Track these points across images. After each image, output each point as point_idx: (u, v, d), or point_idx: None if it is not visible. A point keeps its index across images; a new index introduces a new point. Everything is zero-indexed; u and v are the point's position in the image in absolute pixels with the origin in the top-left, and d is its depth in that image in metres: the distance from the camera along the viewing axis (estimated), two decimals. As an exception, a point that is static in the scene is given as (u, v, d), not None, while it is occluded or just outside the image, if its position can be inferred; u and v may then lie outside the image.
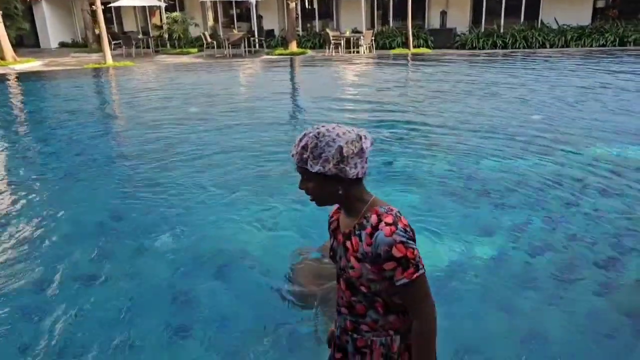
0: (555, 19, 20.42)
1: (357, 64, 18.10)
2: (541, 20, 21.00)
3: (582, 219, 4.74)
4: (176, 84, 14.81)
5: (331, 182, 1.63)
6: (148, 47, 23.76)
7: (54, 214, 5.24)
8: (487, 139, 7.44)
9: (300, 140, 1.64)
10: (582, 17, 20.28)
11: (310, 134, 1.63)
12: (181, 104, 11.22)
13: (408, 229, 1.62)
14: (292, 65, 18.27)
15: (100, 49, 20.29)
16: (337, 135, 1.60)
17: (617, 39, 18.76)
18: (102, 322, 3.46)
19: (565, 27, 20.04)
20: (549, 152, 6.70)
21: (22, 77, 17.14)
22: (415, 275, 1.59)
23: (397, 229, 1.59)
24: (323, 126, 1.64)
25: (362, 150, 1.62)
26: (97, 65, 18.64)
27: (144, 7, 25.81)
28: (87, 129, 9.11)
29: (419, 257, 1.61)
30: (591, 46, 18.83)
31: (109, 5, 22.95)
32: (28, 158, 7.60)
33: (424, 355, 1.69)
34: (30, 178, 6.47)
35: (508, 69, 15.35)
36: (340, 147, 1.58)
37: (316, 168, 1.60)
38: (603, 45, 18.72)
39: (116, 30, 27.00)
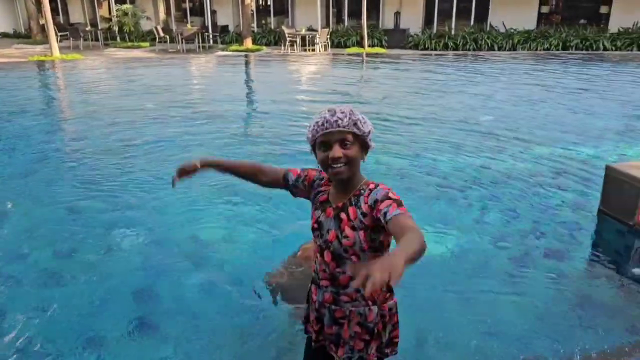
0: (503, 22, 21.19)
1: (313, 61, 18.19)
2: (490, 24, 21.74)
3: (533, 212, 4.99)
4: (130, 79, 14.43)
5: (363, 150, 1.85)
6: (96, 40, 23.00)
7: (10, 212, 5.05)
8: (442, 137, 7.69)
9: (340, 111, 1.79)
10: (528, 21, 21.14)
11: (345, 108, 1.81)
12: (137, 99, 10.97)
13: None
14: (247, 62, 18.15)
15: (45, 41, 19.49)
16: (352, 111, 1.82)
17: (561, 43, 19.67)
18: (65, 320, 3.37)
19: (512, 30, 20.83)
20: (500, 150, 7.00)
21: (-40, 68, 16.27)
22: (405, 211, 1.67)
23: (385, 186, 1.78)
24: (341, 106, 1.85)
25: (372, 127, 1.85)
26: (43, 58, 17.88)
27: (92, -1, 24.97)
28: (38, 124, 8.77)
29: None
30: (537, 49, 19.66)
31: (55, -5, 22.08)
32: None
33: (408, 245, 1.56)
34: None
35: (459, 70, 15.82)
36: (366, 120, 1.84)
37: (367, 128, 1.81)
38: (547, 49, 19.59)
39: (62, 21, 25.97)
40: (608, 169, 4.53)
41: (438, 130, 8.15)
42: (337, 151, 1.77)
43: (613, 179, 4.44)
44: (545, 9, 22.06)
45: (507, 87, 12.32)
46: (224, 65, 17.46)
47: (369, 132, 1.82)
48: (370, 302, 1.88)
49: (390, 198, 1.72)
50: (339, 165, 1.78)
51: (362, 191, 1.82)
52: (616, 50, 19.11)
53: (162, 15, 25.91)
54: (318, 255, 1.94)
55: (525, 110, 9.65)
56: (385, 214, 1.68)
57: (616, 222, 4.46)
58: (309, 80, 14.38)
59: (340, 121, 1.77)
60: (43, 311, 3.43)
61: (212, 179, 5.91)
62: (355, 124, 1.78)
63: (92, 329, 3.27)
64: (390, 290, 1.93)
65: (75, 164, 6.63)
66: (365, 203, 1.77)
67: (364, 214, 1.78)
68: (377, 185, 1.80)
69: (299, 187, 2.05)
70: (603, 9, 21.14)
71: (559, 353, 3.02)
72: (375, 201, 1.73)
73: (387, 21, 23.14)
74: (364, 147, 1.84)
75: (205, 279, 3.87)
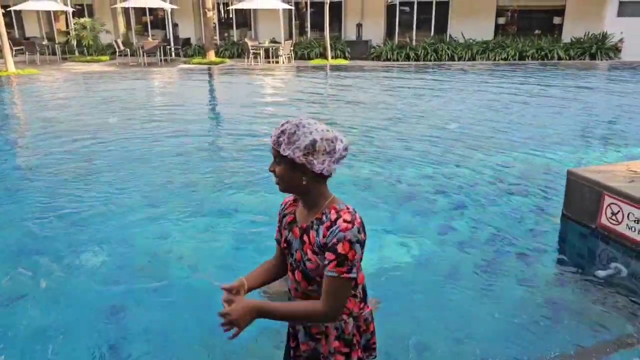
0: (462, 33, 21.73)
1: (277, 73, 18.19)
2: (449, 35, 22.26)
3: (499, 218, 5.08)
4: (90, 94, 14.09)
5: (298, 171, 1.73)
6: (54, 54, 22.39)
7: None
8: (408, 147, 7.77)
9: (283, 125, 1.73)
10: (486, 32, 21.75)
11: (293, 122, 1.72)
12: (98, 113, 10.69)
13: (361, 229, 1.71)
14: (210, 75, 18.00)
15: (-1, 55, 18.86)
16: (316, 130, 1.71)
17: (517, 53, 20.29)
18: (29, 344, 3.22)
19: (471, 41, 21.38)
20: (465, 157, 7.12)
21: None
22: (345, 275, 1.69)
23: (352, 227, 1.68)
24: (307, 119, 1.74)
25: (333, 150, 1.73)
26: (-3, 73, 17.30)
27: (48, 12, 24.28)
28: (-8, 141, 8.44)
29: (357, 262, 1.71)
30: (495, 59, 20.22)
31: (9, 9, 21.42)
32: None
33: (289, 312, 1.82)
34: None
35: (421, 80, 16.10)
36: (314, 140, 1.69)
37: (287, 152, 1.70)
38: (505, 59, 20.17)
39: (17, 35, 25.21)
40: (570, 173, 4.65)
41: (404, 139, 8.24)
42: (270, 165, 1.79)
43: (575, 184, 4.55)
44: (501, 20, 22.76)
45: (470, 96, 12.58)
46: (186, 79, 17.26)
47: (298, 156, 1.68)
48: (345, 316, 1.86)
49: (336, 252, 1.68)
50: (275, 178, 1.79)
51: (324, 216, 1.75)
52: (570, 59, 19.85)
53: (122, 28, 25.46)
54: (290, 273, 1.91)
55: (488, 118, 9.87)
56: (325, 266, 1.70)
57: (579, 226, 4.57)
58: (273, 92, 14.36)
59: (272, 136, 1.74)
60: (3, 338, 3.27)
61: (178, 195, 5.81)
62: (279, 143, 1.71)
63: (57, 354, 3.13)
64: (363, 301, 1.92)
65: (33, 182, 6.39)
66: (324, 236, 1.72)
67: (319, 246, 1.74)
68: (338, 214, 1.71)
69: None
70: (556, 20, 21.99)
71: (528, 354, 3.06)
72: (326, 245, 1.70)
73: (349, 33, 23.40)
74: (299, 167, 1.72)
75: (173, 295, 3.78)
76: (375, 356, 2.04)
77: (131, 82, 16.32)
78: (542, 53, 20.21)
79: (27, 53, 20.92)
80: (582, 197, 4.46)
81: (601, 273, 3.88)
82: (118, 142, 8.21)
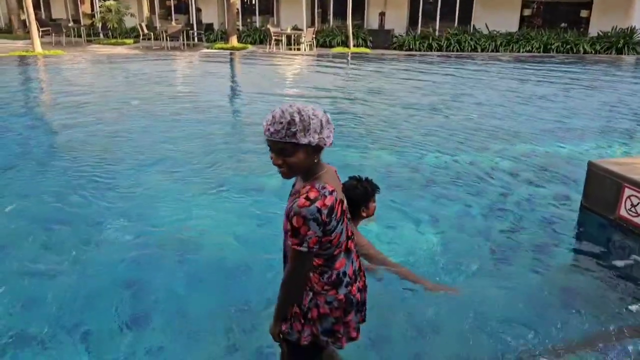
0: (486, 24, 21.46)
1: (298, 60, 18.22)
2: (473, 26, 22.01)
3: (518, 207, 5.09)
4: (114, 75, 14.32)
5: (313, 152, 1.85)
6: (79, 36, 22.72)
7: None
8: (428, 135, 7.78)
9: (281, 116, 1.78)
10: (511, 24, 21.45)
11: (290, 110, 1.78)
12: (121, 95, 10.88)
13: (324, 210, 1.81)
14: (232, 60, 18.11)
15: (26, 36, 19.20)
16: (312, 110, 1.81)
17: (542, 46, 20.00)
18: (54, 314, 3.35)
19: (495, 32, 21.11)
20: (485, 147, 7.12)
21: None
22: (295, 246, 1.84)
23: (310, 205, 1.80)
24: (295, 105, 1.81)
25: (328, 121, 1.86)
26: (25, 53, 17.62)
27: (74, -6, 24.63)
28: (22, 119, 8.65)
29: (309, 237, 1.82)
30: (519, 52, 19.96)
31: (37, -10, 21.75)
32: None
33: (276, 305, 2.06)
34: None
35: (443, 70, 15.99)
36: (321, 119, 1.80)
37: (306, 140, 1.78)
38: (529, 51, 19.89)
39: (44, 16, 25.61)
40: (590, 165, 4.65)
41: (424, 128, 8.25)
42: (275, 159, 1.88)
43: (595, 175, 4.55)
44: (527, 12, 22.41)
45: (492, 87, 12.49)
46: (208, 63, 17.40)
47: (316, 138, 1.80)
48: (307, 288, 2.02)
49: (291, 224, 1.82)
50: (280, 170, 1.90)
51: (303, 188, 1.89)
52: (596, 53, 19.50)
53: (146, 12, 25.68)
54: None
55: (510, 109, 9.82)
56: (285, 236, 1.90)
57: (598, 217, 4.58)
58: (293, 78, 14.41)
59: (278, 131, 1.80)
60: (30, 307, 3.40)
61: (200, 175, 5.94)
62: (291, 134, 1.79)
63: (81, 323, 3.25)
64: (333, 286, 2.02)
65: (58, 158, 6.58)
66: (289, 205, 1.89)
67: (286, 213, 1.91)
68: (308, 190, 1.83)
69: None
70: (583, 13, 21.56)
71: (540, 337, 3.10)
72: (287, 215, 1.87)
73: (371, 21, 23.28)
74: (313, 149, 1.84)
75: (193, 270, 3.89)
76: (341, 346, 2.13)
77: (154, 65, 16.51)
78: (567, 46, 19.87)
79: (53, 34, 21.27)
80: (602, 189, 4.46)
81: (618, 263, 3.90)
82: (140, 123, 8.36)
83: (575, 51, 19.70)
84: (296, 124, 1.77)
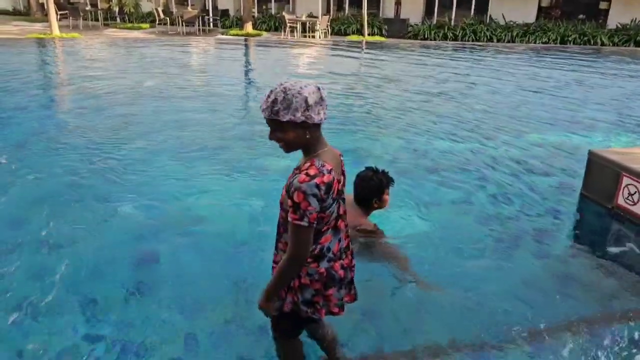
0: (503, 15, 21.26)
1: (312, 47, 18.24)
2: (490, 16, 21.82)
3: (520, 194, 5.14)
4: (129, 58, 14.49)
5: (300, 128, 1.93)
6: (96, 20, 22.94)
7: (12, 181, 5.15)
8: (438, 123, 7.83)
9: (269, 96, 1.92)
10: (528, 15, 21.23)
11: (277, 90, 1.90)
12: (135, 77, 11.05)
13: (322, 186, 1.90)
14: (247, 46, 18.19)
15: (44, 19, 19.45)
16: (301, 87, 1.90)
17: (559, 38, 19.78)
18: (65, 284, 3.48)
19: (511, 23, 20.92)
20: (492, 136, 7.15)
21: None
22: (296, 221, 1.92)
23: (310, 180, 1.89)
24: (286, 82, 1.92)
25: (321, 98, 1.93)
26: (42, 35, 17.87)
27: (92, -22, 24.82)
28: (37, 99, 8.85)
29: (310, 213, 1.91)
30: (535, 43, 19.76)
31: (55, -27, 21.94)
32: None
33: (273, 279, 2.13)
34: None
35: (457, 59, 15.92)
36: (306, 97, 1.88)
37: (287, 117, 1.89)
38: (546, 43, 19.69)
39: (61, 0, 25.85)
40: (591, 154, 4.69)
41: (434, 115, 8.30)
42: (270, 134, 2.01)
43: (595, 164, 4.59)
44: (545, 3, 22.15)
45: (506, 76, 12.44)
46: (223, 48, 17.50)
47: (298, 116, 1.88)
48: None
49: (293, 200, 1.91)
50: (280, 145, 2.01)
51: (303, 164, 2.00)
52: (614, 46, 19.25)
53: (162, -3, 25.82)
54: None
55: (523, 99, 9.81)
56: (287, 212, 1.96)
57: (597, 205, 4.63)
58: (306, 64, 14.46)
59: (264, 109, 1.93)
60: (42, 275, 3.55)
61: (210, 156, 6.07)
62: (275, 113, 1.90)
63: (92, 292, 3.38)
64: (315, 259, 2.10)
65: (72, 136, 6.74)
66: (288, 181, 1.98)
67: (286, 188, 2.00)
68: (308, 167, 1.95)
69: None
70: (603, 5, 21.25)
71: (534, 318, 3.19)
72: (287, 191, 1.96)
73: (387, 10, 23.17)
74: (300, 125, 1.92)
75: (199, 244, 4.01)
76: (317, 319, 2.22)
77: (169, 49, 16.66)
78: (585, 38, 19.64)
79: (70, 18, 21.50)
80: (601, 177, 4.50)
81: (614, 250, 3.96)
82: (153, 104, 8.52)
83: (592, 43, 19.47)
84: (279, 102, 1.88)
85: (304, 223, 1.91)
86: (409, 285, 3.52)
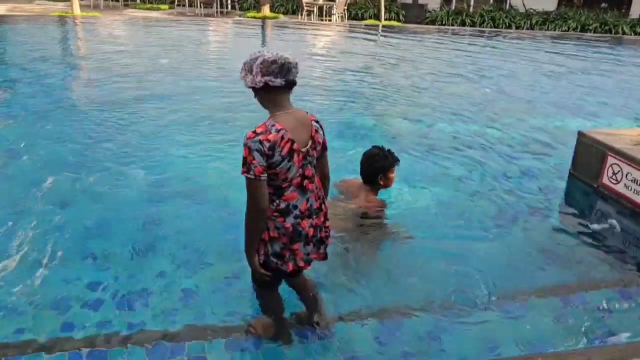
0: (522, 2, 21.02)
1: (328, 30, 18.32)
2: (509, 3, 21.58)
3: (514, 175, 5.30)
4: (147, 37, 14.77)
5: (263, 93, 2.27)
6: (116, 0, 23.23)
7: (29, 146, 5.44)
8: (442, 105, 7.96)
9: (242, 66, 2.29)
10: (548, 2, 20.96)
11: (246, 59, 2.27)
12: (152, 55, 11.32)
13: (265, 143, 2.15)
14: (264, 28, 18.34)
15: (66, -2, 19.78)
16: (262, 56, 2.19)
17: (579, 26, 19.52)
18: (75, 238, 3.76)
19: (531, 10, 20.69)
20: (495, 119, 7.27)
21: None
22: (244, 174, 2.19)
23: (255, 136, 2.17)
24: (258, 51, 2.27)
25: (283, 65, 2.19)
26: (64, 14, 18.24)
27: (114, -42, 25.04)
28: (56, 74, 9.16)
29: (254, 166, 2.15)
30: (554, 31, 19.55)
31: (78, -48, 22.22)
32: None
33: (245, 238, 2.36)
34: (1, 116, 6.61)
35: (472, 45, 15.86)
36: (268, 64, 2.18)
37: (246, 81, 2.25)
38: (565, 31, 19.46)
39: (84, -21, 26.15)
40: (580, 134, 4.81)
41: (442, 97, 8.43)
42: None
43: (583, 144, 4.72)
44: (567, -9, 21.83)
45: (520, 62, 12.44)
46: (239, 30, 17.69)
47: (241, 77, 2.26)
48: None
49: (242, 154, 2.18)
50: None
51: None
52: (635, 35, 18.95)
53: (182, -22, 25.97)
54: None
55: (534, 84, 9.88)
56: None
57: (583, 184, 4.77)
58: (322, 46, 14.57)
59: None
60: (55, 233, 3.81)
61: (218, 129, 6.31)
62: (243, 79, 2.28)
63: (99, 246, 3.65)
64: (281, 213, 2.32)
65: (89, 109, 7.04)
66: None
67: None
68: (257, 126, 2.24)
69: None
70: (626, -6, 20.89)
71: (516, 285, 3.41)
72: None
73: (406, -5, 23.03)
74: (251, 88, 2.28)
75: (203, 210, 4.25)
76: (287, 269, 2.41)
77: (187, 29, 16.89)
78: (606, 27, 19.36)
79: (92, -3, 21.80)
80: (588, 157, 4.63)
81: (596, 227, 4.11)
82: (167, 80, 8.79)
83: (614, 33, 19.19)
84: (243, 68, 2.23)
85: (250, 175, 2.16)
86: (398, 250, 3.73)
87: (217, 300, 3.13)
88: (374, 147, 3.93)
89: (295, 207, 2.32)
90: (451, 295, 3.24)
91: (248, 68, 2.19)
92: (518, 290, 3.38)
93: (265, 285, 2.57)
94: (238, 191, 4.54)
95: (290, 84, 2.26)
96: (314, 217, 2.40)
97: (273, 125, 2.19)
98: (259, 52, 2.20)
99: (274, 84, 2.18)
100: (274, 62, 2.17)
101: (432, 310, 3.11)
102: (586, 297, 3.35)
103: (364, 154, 3.93)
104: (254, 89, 2.24)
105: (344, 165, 4.61)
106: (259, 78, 2.16)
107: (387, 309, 3.12)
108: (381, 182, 3.86)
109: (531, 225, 4.29)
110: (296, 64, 2.25)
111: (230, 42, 15.25)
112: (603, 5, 21.19)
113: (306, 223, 2.36)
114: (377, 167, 3.81)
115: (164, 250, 3.69)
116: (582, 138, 4.75)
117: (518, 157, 5.83)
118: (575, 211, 4.55)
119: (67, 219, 4.03)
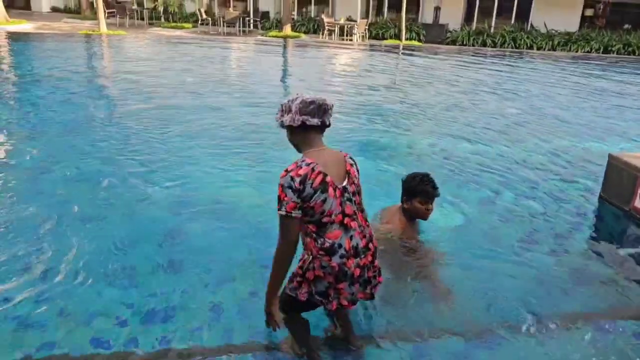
0: (544, 23, 20.98)
1: (349, 50, 18.46)
2: (531, 24, 21.55)
3: (542, 196, 5.20)
4: (172, 55, 15.03)
5: (296, 132, 2.34)
6: (142, 19, 23.77)
7: (55, 163, 5.52)
8: (466, 125, 7.92)
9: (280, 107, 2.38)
10: (571, 23, 20.88)
11: (284, 101, 2.36)
12: (177, 73, 11.51)
13: (296, 178, 2.20)
14: (285, 47, 18.57)
15: (93, 17, 20.31)
16: (299, 98, 2.28)
17: (602, 47, 19.38)
18: (100, 251, 3.78)
19: (553, 31, 20.61)
20: (520, 140, 7.20)
21: (15, 37, 17.14)
22: (278, 211, 2.23)
23: (286, 174, 2.22)
24: (297, 94, 2.35)
25: (319, 106, 2.29)
26: (91, 32, 18.71)
27: (140, -22, 25.73)
28: (84, 90, 9.37)
29: (286, 202, 2.20)
30: (577, 52, 19.42)
31: (106, -27, 22.88)
32: (28, 113, 7.84)
33: (271, 273, 2.36)
34: (31, 130, 6.75)
35: (494, 65, 15.84)
36: (298, 105, 2.27)
37: (281, 120, 2.34)
38: (588, 52, 19.32)
39: (111, -1, 26.88)
40: (610, 157, 4.73)
41: (462, 119, 8.38)
42: None
43: (614, 167, 4.63)
44: (589, 12, 21.71)
45: (538, 84, 12.35)
46: (262, 49, 17.92)
47: (280, 122, 2.35)
48: (307, 252, 2.37)
49: (278, 193, 2.22)
50: None
51: None
52: (659, 57, 18.76)
53: (206, -2, 26.53)
54: None
55: (553, 107, 9.76)
56: None
57: (614, 208, 4.66)
58: (343, 66, 14.69)
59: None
60: (82, 243, 3.86)
61: (244, 148, 6.35)
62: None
63: (125, 261, 3.66)
64: (326, 252, 2.30)
65: (115, 126, 7.15)
66: None
67: None
68: (290, 165, 2.26)
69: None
70: (650, 15, 20.73)
71: (546, 310, 3.30)
72: None
73: (426, 15, 23.16)
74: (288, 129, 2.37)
75: (227, 227, 4.24)
76: (331, 308, 2.38)
77: (210, 48, 17.18)
78: (630, 49, 19.19)
79: (117, 16, 22.37)
80: (619, 180, 4.53)
81: (628, 251, 4.01)
82: (191, 98, 8.89)
83: (637, 54, 19.01)
84: (281, 109, 2.33)
85: (282, 212, 2.20)
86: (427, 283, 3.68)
87: (245, 317, 3.10)
88: (418, 173, 3.76)
89: (340, 245, 2.30)
90: (482, 318, 3.17)
91: (286, 108, 2.28)
92: (549, 315, 3.29)
93: (295, 310, 2.55)
94: (260, 206, 4.63)
95: (324, 125, 2.34)
96: (361, 256, 2.36)
97: (303, 161, 2.25)
98: (297, 94, 2.29)
99: (310, 123, 2.26)
100: (312, 102, 2.26)
101: (463, 333, 3.05)
102: (618, 325, 3.25)
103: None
104: (290, 127, 2.31)
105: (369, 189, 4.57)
106: (297, 117, 2.24)
107: (418, 331, 3.06)
108: (405, 205, 3.72)
109: (562, 248, 4.19)
110: (332, 105, 2.34)
111: (253, 60, 15.45)
112: (626, 26, 21.02)
113: (352, 262, 2.32)
114: (404, 186, 3.73)
115: (187, 266, 3.67)
116: (612, 161, 4.67)
117: (546, 179, 5.74)
118: (606, 235, 4.45)
119: (95, 233, 4.06)
